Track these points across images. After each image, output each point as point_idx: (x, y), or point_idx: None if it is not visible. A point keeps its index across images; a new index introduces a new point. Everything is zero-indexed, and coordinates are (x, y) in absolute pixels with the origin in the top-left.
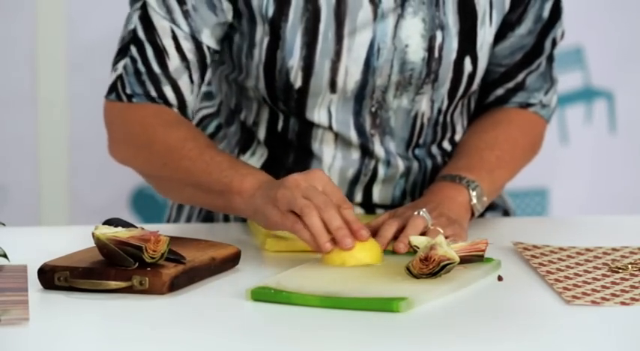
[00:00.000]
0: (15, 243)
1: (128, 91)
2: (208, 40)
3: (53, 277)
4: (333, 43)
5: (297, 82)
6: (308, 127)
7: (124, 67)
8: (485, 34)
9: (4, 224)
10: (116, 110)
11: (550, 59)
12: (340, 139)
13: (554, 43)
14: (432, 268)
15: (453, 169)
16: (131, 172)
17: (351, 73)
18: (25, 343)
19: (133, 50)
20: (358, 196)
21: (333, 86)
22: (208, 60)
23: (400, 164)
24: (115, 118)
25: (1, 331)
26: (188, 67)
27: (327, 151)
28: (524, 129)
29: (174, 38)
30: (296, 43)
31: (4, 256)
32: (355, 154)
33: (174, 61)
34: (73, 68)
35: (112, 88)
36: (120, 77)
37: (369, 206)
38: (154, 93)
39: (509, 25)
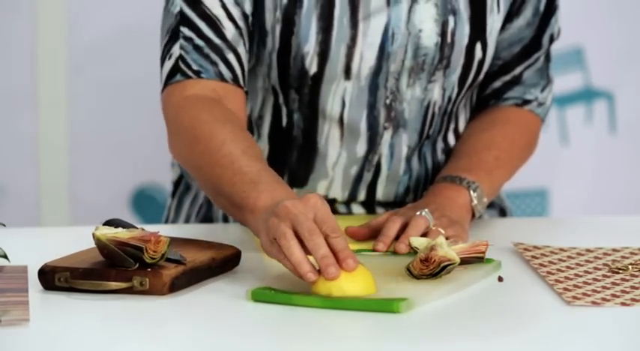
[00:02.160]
0: (15, 244)
1: (195, 67)
2: (249, 8)
3: (54, 277)
4: (348, 28)
5: (313, 68)
6: (314, 122)
7: (181, 48)
8: (494, 20)
9: (4, 225)
10: (174, 100)
11: (547, 57)
12: (347, 133)
13: (551, 40)
14: (432, 269)
15: (452, 170)
16: (131, 172)
17: (366, 58)
18: (26, 343)
19: (185, 31)
20: (362, 195)
21: (347, 72)
22: (250, 29)
23: (402, 158)
24: (171, 109)
25: (1, 332)
26: (242, 34)
27: (332, 148)
28: (521, 128)
29: (224, 7)
30: (311, 28)
31: (5, 256)
32: (360, 150)
33: (229, 30)
34: (74, 69)
35: (174, 71)
36: (180, 58)
37: (371, 204)
38: (221, 64)
39: (508, 16)
